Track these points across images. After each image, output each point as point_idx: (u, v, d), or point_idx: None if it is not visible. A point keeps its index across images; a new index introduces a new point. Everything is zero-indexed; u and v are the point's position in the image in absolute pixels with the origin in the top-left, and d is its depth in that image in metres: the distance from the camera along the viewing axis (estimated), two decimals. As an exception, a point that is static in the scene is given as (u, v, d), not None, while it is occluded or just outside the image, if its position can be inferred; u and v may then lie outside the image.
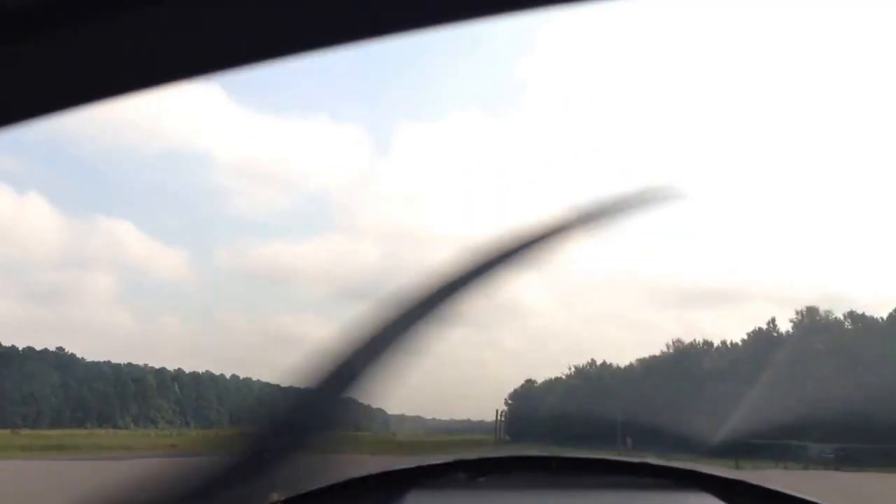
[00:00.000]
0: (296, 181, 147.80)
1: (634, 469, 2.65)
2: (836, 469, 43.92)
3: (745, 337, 67.37)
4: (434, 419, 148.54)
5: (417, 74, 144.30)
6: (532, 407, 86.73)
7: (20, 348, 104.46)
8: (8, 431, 69.60)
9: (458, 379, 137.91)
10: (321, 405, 0.65)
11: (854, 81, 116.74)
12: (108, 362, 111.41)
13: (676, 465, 2.68)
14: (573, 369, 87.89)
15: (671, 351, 72.90)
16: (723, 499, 2.41)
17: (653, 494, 2.55)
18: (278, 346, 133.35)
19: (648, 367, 73.51)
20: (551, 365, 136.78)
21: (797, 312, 63.12)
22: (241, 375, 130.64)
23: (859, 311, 60.96)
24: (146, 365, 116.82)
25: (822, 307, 63.11)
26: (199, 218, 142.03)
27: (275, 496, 0.64)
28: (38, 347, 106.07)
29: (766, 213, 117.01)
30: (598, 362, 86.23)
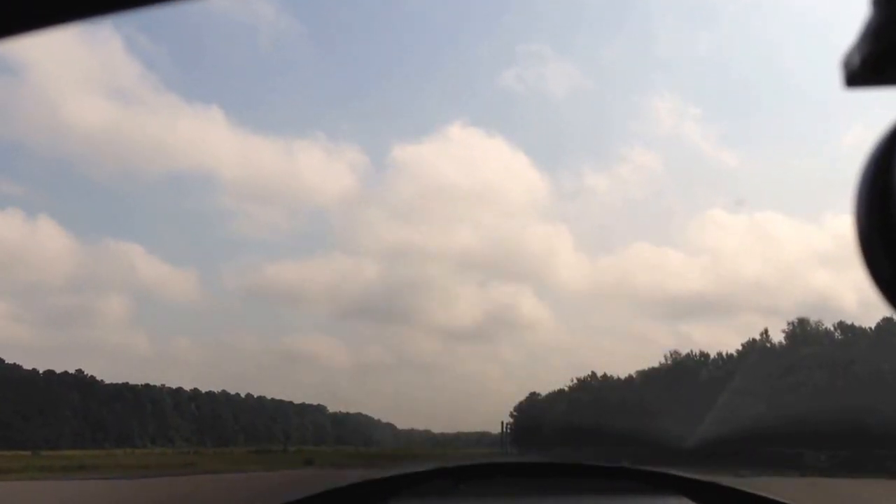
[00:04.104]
0: (296, 200, 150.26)
1: (611, 473, 2.68)
2: (831, 476, 44.89)
3: (740, 348, 68.06)
4: (442, 433, 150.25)
5: (412, 91, 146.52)
6: (537, 419, 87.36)
7: (41, 371, 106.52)
8: (29, 453, 71.40)
9: (464, 393, 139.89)
10: None
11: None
12: (127, 384, 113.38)
13: (652, 469, 2.67)
14: (575, 381, 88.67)
15: (669, 362, 73.95)
16: (697, 501, 2.44)
17: (630, 498, 2.60)
18: (288, 364, 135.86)
19: (648, 379, 74.55)
20: (552, 378, 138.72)
21: (789, 323, 63.78)
22: (255, 394, 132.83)
23: (848, 322, 62.00)
24: (163, 386, 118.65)
25: (812, 318, 64.00)
26: (206, 239, 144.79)
27: None
28: (59, 371, 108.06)
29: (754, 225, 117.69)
30: (599, 374, 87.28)
